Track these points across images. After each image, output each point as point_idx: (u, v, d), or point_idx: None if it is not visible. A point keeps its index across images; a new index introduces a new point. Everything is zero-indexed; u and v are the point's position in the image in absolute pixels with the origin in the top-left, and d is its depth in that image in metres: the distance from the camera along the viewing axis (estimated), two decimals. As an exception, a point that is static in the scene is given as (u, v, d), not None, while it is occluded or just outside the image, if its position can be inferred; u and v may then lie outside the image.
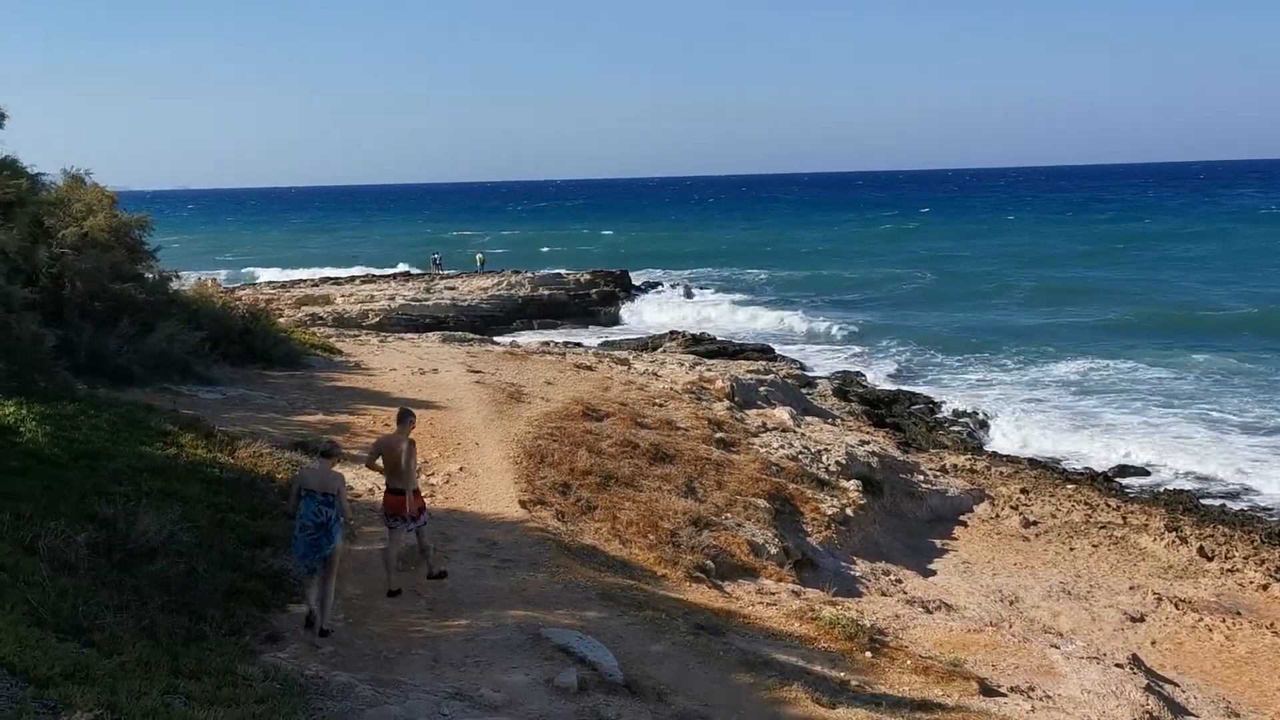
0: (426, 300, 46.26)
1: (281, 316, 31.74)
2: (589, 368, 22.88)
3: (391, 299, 45.93)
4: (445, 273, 56.75)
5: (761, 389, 24.04)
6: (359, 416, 16.03)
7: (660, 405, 19.40)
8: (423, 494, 10.79)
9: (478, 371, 20.53)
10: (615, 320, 49.43)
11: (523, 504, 12.86)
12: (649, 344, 37.87)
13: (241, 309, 21.35)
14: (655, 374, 23.30)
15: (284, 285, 54.38)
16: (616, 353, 29.84)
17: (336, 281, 53.32)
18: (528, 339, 38.77)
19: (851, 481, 17.68)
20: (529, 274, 54.63)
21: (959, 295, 54.98)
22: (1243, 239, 78.17)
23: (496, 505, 12.81)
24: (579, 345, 36.71)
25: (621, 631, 9.42)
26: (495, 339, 31.89)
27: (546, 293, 50.04)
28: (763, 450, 17.98)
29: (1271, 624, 13.58)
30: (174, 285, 19.62)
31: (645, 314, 51.03)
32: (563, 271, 56.34)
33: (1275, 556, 16.93)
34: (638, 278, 61.13)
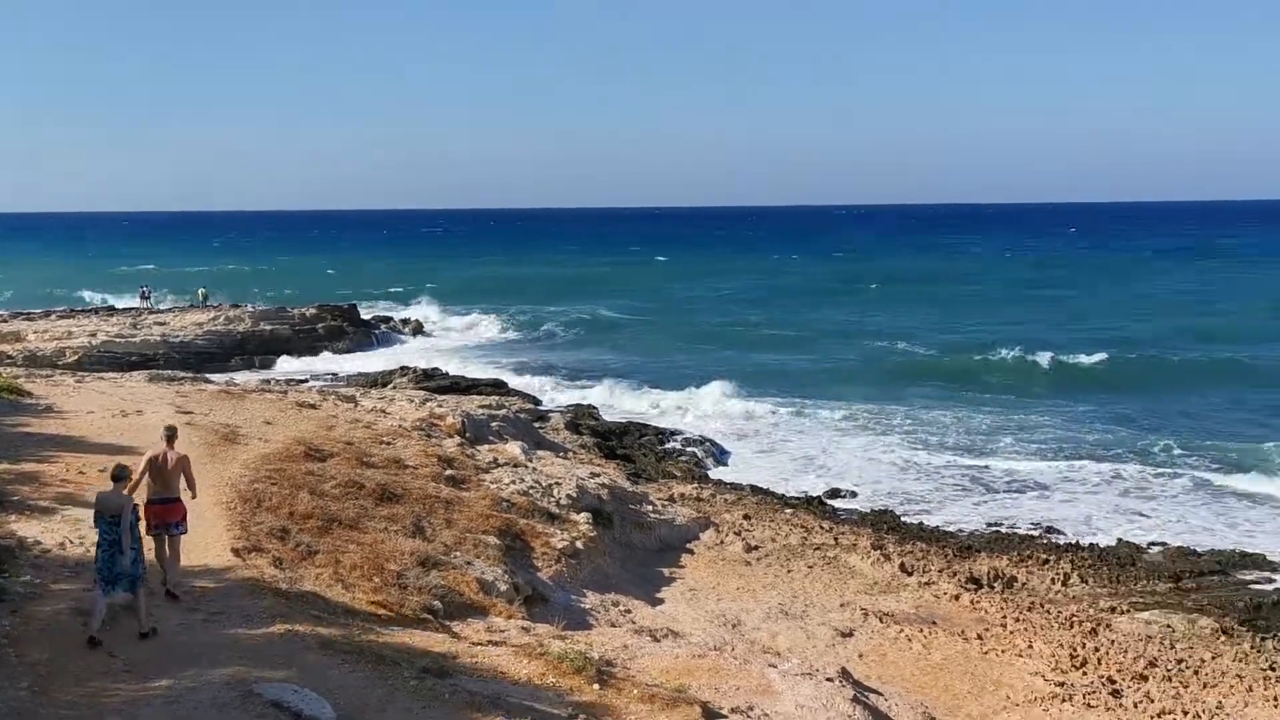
0: (133, 336, 43.12)
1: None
2: (312, 406, 22.01)
3: (93, 335, 42.51)
4: (157, 307, 53.24)
5: (494, 424, 23.91)
6: (49, 464, 14.67)
7: (388, 443, 18.91)
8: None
9: (189, 412, 19.29)
10: (346, 353, 47.94)
11: (236, 552, 12.14)
12: (378, 380, 36.92)
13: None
14: (384, 411, 22.71)
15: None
16: (343, 390, 28.90)
17: (29, 316, 48.78)
18: (247, 377, 36.91)
19: (582, 514, 17.86)
20: (249, 307, 52.11)
21: (688, 333, 56.89)
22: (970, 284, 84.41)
23: (207, 555, 12.02)
24: (303, 382, 35.33)
25: (343, 681, 9.04)
26: (210, 377, 30.09)
27: (269, 327, 47.87)
28: (494, 486, 17.86)
29: (962, 631, 14.76)
30: None
31: (376, 350, 49.85)
32: (286, 306, 54.10)
33: (965, 569, 18.47)
34: (368, 312, 59.65)
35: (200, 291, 58.56)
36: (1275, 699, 13.10)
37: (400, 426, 20.72)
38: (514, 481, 18.50)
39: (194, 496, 11.26)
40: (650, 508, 20.17)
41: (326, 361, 45.80)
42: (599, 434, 29.45)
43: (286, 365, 44.27)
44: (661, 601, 16.16)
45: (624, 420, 32.63)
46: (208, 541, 12.38)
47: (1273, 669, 14.25)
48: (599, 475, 21.01)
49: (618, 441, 29.21)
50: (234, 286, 75.56)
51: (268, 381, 34.39)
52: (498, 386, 37.49)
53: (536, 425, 27.18)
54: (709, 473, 27.47)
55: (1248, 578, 19.46)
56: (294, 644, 9.68)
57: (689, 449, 29.60)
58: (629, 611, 14.99)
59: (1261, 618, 17.44)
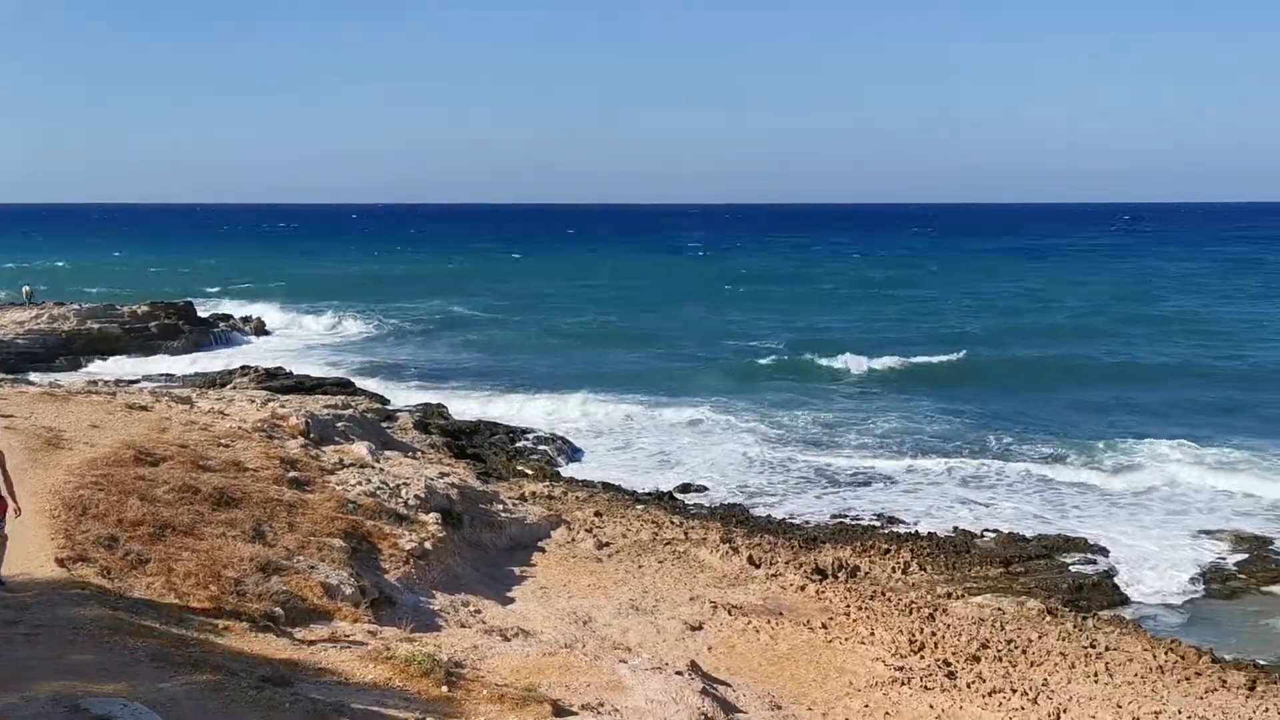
0: (-54, 336, 40.42)
1: None
2: (144, 408, 20.99)
3: (-104, 336, 39.65)
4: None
5: (339, 424, 23.32)
6: None
7: (227, 446, 18.20)
8: None
9: (8, 415, 18.14)
10: (182, 353, 45.98)
11: (60, 562, 11.48)
12: (216, 380, 35.55)
13: None
14: (222, 412, 21.86)
15: None
16: (177, 391, 27.68)
17: None
18: (72, 378, 35.02)
19: (431, 515, 17.57)
20: (76, 305, 49.43)
21: (543, 331, 56.73)
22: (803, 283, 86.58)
23: (29, 565, 11.33)
24: (134, 383, 33.74)
25: (175, 694, 8.64)
26: (31, 378, 28.39)
27: (96, 326, 45.57)
28: (339, 488, 17.40)
29: (808, 621, 15.14)
30: None
31: (215, 350, 47.99)
32: (115, 304, 51.49)
33: (811, 560, 18.96)
34: (206, 310, 57.39)
35: (24, 289, 55.17)
36: (1095, 674, 13.88)
37: (240, 428, 19.98)
38: (360, 483, 18.06)
39: (17, 512, 10.75)
40: (501, 507, 20.01)
41: (161, 362, 43.85)
42: (449, 433, 29.05)
43: (116, 366, 42.20)
44: (512, 601, 16.04)
45: (475, 419, 32.29)
46: (30, 552, 11.67)
47: (1093, 646, 15.10)
48: (448, 475, 20.72)
49: (468, 441, 28.89)
50: (59, 283, 71.61)
51: (95, 382, 32.69)
52: (344, 386, 36.59)
53: (384, 425, 26.64)
54: (561, 471, 27.44)
55: (1070, 561, 20.59)
56: (124, 656, 9.21)
57: (540, 447, 29.50)
58: (479, 612, 14.83)
59: (1083, 598, 18.51)
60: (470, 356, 48.42)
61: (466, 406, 35.07)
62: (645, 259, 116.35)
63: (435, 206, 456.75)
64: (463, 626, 13.77)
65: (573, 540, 19.31)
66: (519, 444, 29.81)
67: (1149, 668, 14.37)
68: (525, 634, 13.44)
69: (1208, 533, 22.44)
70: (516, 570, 17.72)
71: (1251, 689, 13.86)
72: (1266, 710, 13.03)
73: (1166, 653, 15.09)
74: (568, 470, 27.74)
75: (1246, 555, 21.02)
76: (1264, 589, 19.43)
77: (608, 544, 19.21)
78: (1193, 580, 19.90)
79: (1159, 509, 24.40)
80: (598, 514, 21.39)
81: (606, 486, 25.00)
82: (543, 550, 18.83)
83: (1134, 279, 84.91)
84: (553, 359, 47.15)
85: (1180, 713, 12.66)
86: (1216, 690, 13.71)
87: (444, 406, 33.64)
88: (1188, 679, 14.07)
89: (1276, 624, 17.90)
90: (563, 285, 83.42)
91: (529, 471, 26.29)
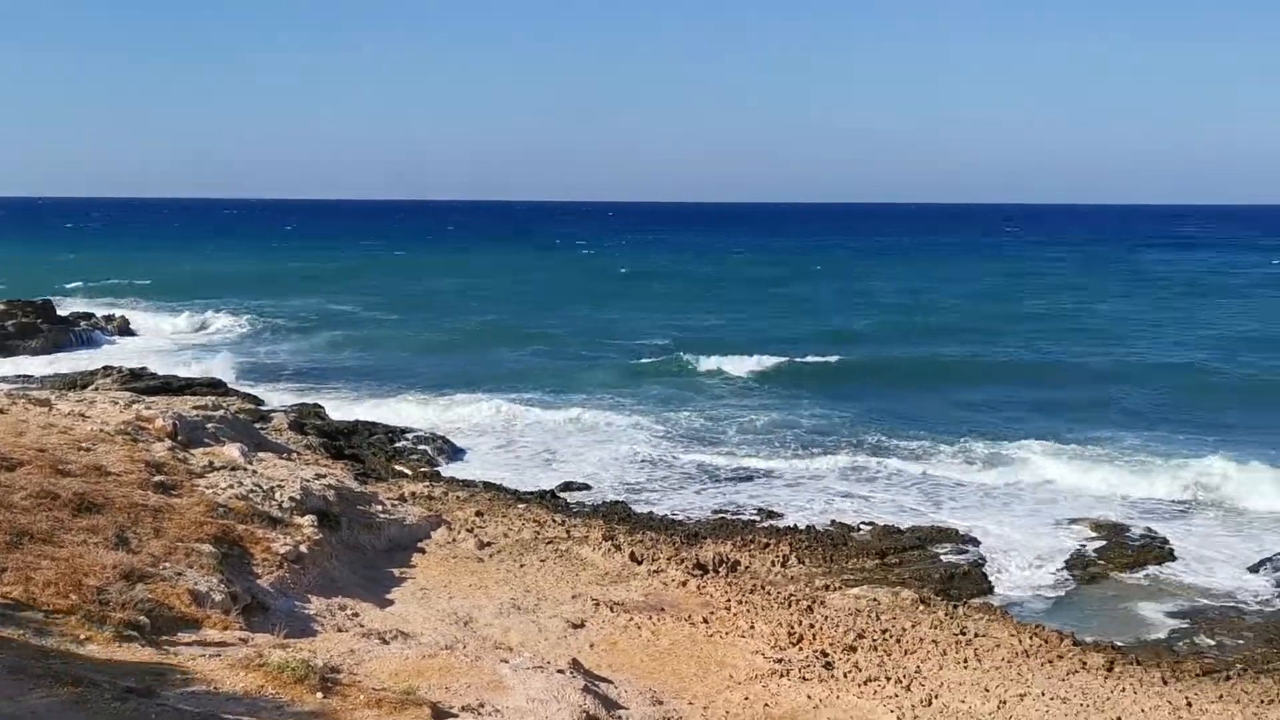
0: None
1: None
2: (-1, 410, 19.98)
3: None
4: None
5: (210, 426, 22.53)
6: None
7: (88, 449, 17.42)
8: None
9: None
10: (41, 353, 43.93)
11: (-97, 574, 10.84)
12: (77, 381, 34.06)
13: None
14: (83, 415, 20.90)
15: None
16: (35, 392, 26.40)
17: None
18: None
19: (306, 517, 17.13)
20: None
21: (424, 329, 55.96)
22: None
23: None
24: (-11, 385, 32.10)
25: (35, 707, 8.26)
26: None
27: (-54, 325, 43.17)
28: (209, 491, 16.83)
29: (689, 616, 15.27)
30: None
31: (78, 351, 45.99)
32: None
33: (692, 556, 19.12)
34: (67, 308, 54.93)
35: None
36: (965, 660, 14.35)
37: (102, 431, 19.15)
38: (231, 485, 17.51)
39: None
40: (379, 508, 19.64)
41: (18, 363, 41.83)
42: (325, 434, 28.39)
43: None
44: (391, 603, 15.77)
45: (353, 420, 31.65)
46: None
47: (963, 633, 15.60)
48: (325, 476, 20.24)
49: (345, 441, 28.28)
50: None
51: (-54, 384, 30.99)
52: (215, 386, 35.40)
53: (258, 426, 25.87)
54: (441, 470, 27.10)
55: (943, 551, 21.25)
56: (-25, 671, 8.74)
57: (420, 447, 29.08)
58: (356, 615, 14.53)
59: (954, 587, 19.11)
60: (349, 355, 47.48)
61: (344, 406, 34.35)
62: (529, 257, 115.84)
63: (307, 203, 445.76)
64: (339, 631, 13.46)
65: (453, 540, 19.08)
66: (398, 444, 29.32)
67: (1015, 652, 14.91)
68: (404, 636, 13.22)
69: (1072, 521, 23.46)
70: (396, 572, 17.42)
71: (1109, 669, 14.51)
72: (1123, 689, 13.65)
73: (1031, 637, 15.68)
74: (448, 470, 27.40)
75: (1105, 542, 22.01)
76: (1121, 574, 20.37)
77: (489, 543, 19.04)
78: (1056, 568, 20.76)
79: (1028, 500, 25.40)
80: (479, 513, 21.19)
81: (488, 486, 24.79)
82: (423, 551, 18.56)
83: (1009, 279, 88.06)
84: (434, 357, 46.57)
85: (1044, 694, 13.16)
86: (1077, 672, 14.31)
87: (320, 406, 32.87)
88: (1051, 662, 14.65)
89: (1132, 607, 18.78)
90: (445, 283, 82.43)
91: (408, 472, 25.89)
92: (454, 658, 11.72)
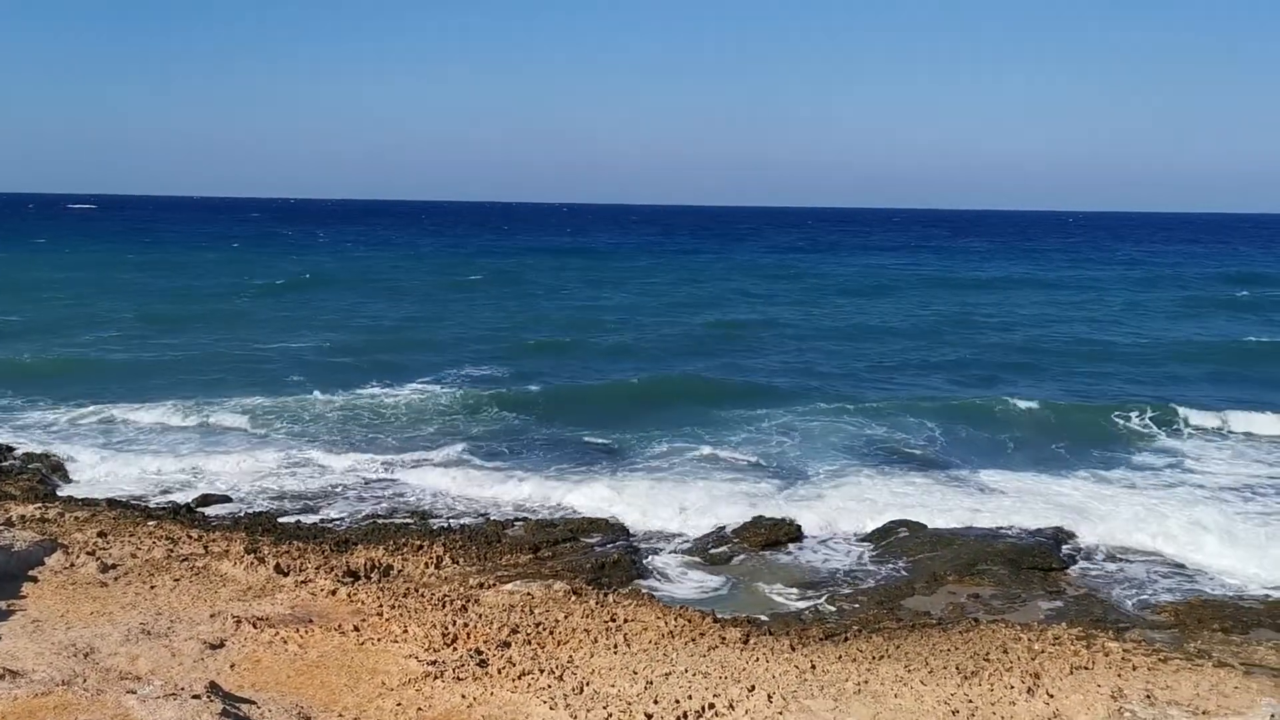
0: None
1: None
2: None
3: None
4: None
5: None
6: None
7: None
8: None
9: None
10: None
11: None
12: None
13: None
14: None
15: None
16: None
17: None
18: None
19: (-115, 551, 14.93)
20: None
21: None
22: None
23: None
24: None
25: None
26: None
27: None
28: None
29: (339, 625, 14.74)
30: None
31: None
32: None
33: (342, 563, 18.49)
34: None
35: None
36: (615, 646, 14.83)
37: None
38: None
39: None
40: (-20, 535, 17.46)
41: None
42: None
43: None
44: (-3, 640, 14.05)
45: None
46: None
47: (613, 620, 16.12)
48: (-90, 503, 17.74)
49: (-61, 462, 24.95)
50: None
51: None
52: None
53: None
54: (58, 490, 24.55)
55: (594, 541, 21.88)
56: None
57: (31, 465, 26.19)
58: (-48, 657, 12.82)
59: (605, 576, 19.73)
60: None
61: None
62: (167, 256, 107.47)
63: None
64: (-73, 677, 11.81)
65: (71, 565, 17.32)
66: (4, 463, 26.26)
67: (662, 634, 15.60)
68: (13, 675, 11.85)
69: (721, 502, 24.66)
70: (3, 605, 15.55)
71: (745, 642, 15.52)
72: (757, 659, 14.63)
73: (676, 619, 16.47)
74: (66, 490, 24.87)
75: (742, 522, 23.50)
76: (756, 551, 21.88)
77: (114, 566, 17.45)
78: (699, 549, 21.96)
79: (669, 486, 26.48)
80: (102, 534, 19.37)
81: (113, 504, 22.71)
82: (35, 580, 16.70)
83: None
84: (60, 366, 42.07)
85: (687, 671, 13.86)
86: (717, 647, 15.18)
87: (-94, 424, 28.81)
88: (694, 640, 15.46)
89: (762, 584, 20.22)
90: (73, 283, 74.86)
91: (17, 493, 23.23)
92: (71, 694, 10.66)
